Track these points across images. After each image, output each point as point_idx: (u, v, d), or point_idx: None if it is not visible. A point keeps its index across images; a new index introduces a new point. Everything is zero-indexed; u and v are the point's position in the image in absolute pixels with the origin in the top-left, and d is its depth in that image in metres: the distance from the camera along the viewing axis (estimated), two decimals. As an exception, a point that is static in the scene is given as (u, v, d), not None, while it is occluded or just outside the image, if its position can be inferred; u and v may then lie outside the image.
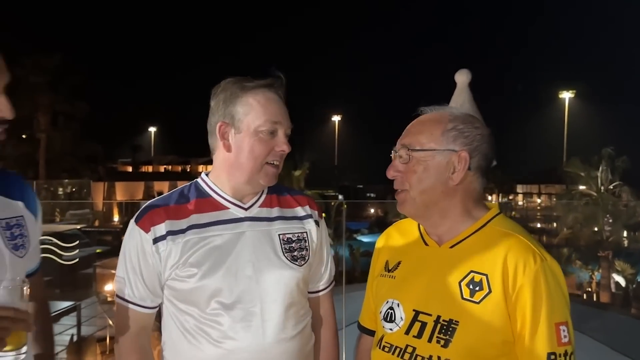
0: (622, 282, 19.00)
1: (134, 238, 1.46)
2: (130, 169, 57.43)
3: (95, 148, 29.07)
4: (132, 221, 1.49)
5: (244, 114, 1.47)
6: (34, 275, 1.36)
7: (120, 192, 40.02)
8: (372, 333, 1.51)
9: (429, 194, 1.33)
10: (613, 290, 18.74)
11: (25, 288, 1.14)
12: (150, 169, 62.67)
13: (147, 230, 1.44)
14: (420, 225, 1.44)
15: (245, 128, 1.47)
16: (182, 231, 1.44)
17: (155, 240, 1.43)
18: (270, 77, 1.51)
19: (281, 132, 1.49)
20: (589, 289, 19.36)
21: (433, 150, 1.32)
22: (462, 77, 5.87)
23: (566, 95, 42.41)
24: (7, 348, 1.10)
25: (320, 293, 1.65)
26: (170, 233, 1.43)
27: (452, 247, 1.35)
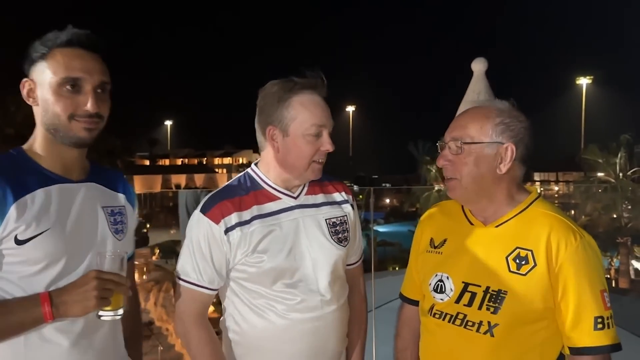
0: (642, 269, 18.85)
1: (203, 227, 1.60)
2: (147, 162, 57.93)
3: (115, 142, 29.40)
4: (197, 212, 1.62)
5: (291, 119, 1.58)
6: (128, 261, 1.53)
7: (139, 185, 40.51)
8: (413, 302, 1.71)
9: (479, 182, 1.48)
10: (632, 276, 18.61)
11: (124, 258, 1.34)
12: (167, 162, 63.17)
13: (217, 222, 1.58)
14: (465, 207, 1.59)
15: (292, 132, 1.59)
16: (248, 222, 1.60)
17: (227, 231, 1.58)
18: (312, 77, 1.60)
19: (325, 133, 1.61)
20: (608, 276, 19.24)
21: (483, 143, 1.46)
22: (478, 66, 5.93)
23: (584, 82, 41.84)
24: (108, 308, 1.30)
25: (353, 266, 1.83)
26: (239, 224, 1.59)
27: (497, 226, 1.51)
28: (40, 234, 1.30)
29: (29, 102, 1.39)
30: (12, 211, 1.28)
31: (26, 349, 1.30)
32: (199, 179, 48.16)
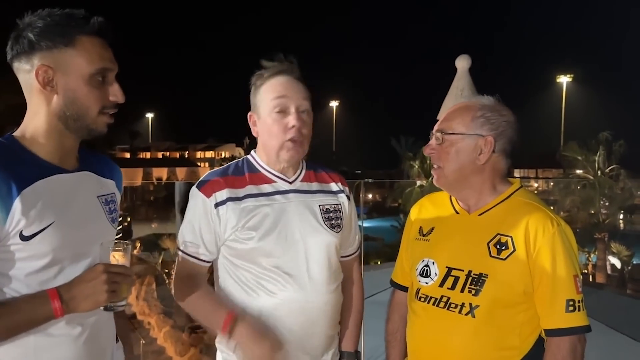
0: (618, 264, 19.20)
1: (196, 202, 1.69)
2: (128, 155, 57.29)
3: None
4: (194, 188, 1.71)
5: (260, 101, 1.69)
6: None
7: (119, 178, 39.96)
8: (402, 288, 1.78)
9: (460, 171, 1.57)
10: (609, 272, 18.95)
11: (129, 248, 1.34)
12: (148, 155, 62.58)
13: (208, 196, 1.66)
14: (452, 196, 1.67)
15: (262, 113, 1.69)
16: (240, 199, 1.66)
17: (217, 205, 1.65)
18: (279, 63, 1.68)
19: (292, 108, 1.65)
20: (585, 271, 19.56)
21: (463, 134, 1.54)
22: (462, 63, 6.00)
23: (564, 80, 42.42)
24: (116, 300, 1.30)
25: (350, 257, 1.89)
26: (230, 199, 1.65)
27: (480, 214, 1.59)
28: (45, 228, 1.27)
29: (46, 90, 1.31)
30: (17, 204, 1.24)
31: (35, 344, 1.28)
32: (181, 172, 47.80)
